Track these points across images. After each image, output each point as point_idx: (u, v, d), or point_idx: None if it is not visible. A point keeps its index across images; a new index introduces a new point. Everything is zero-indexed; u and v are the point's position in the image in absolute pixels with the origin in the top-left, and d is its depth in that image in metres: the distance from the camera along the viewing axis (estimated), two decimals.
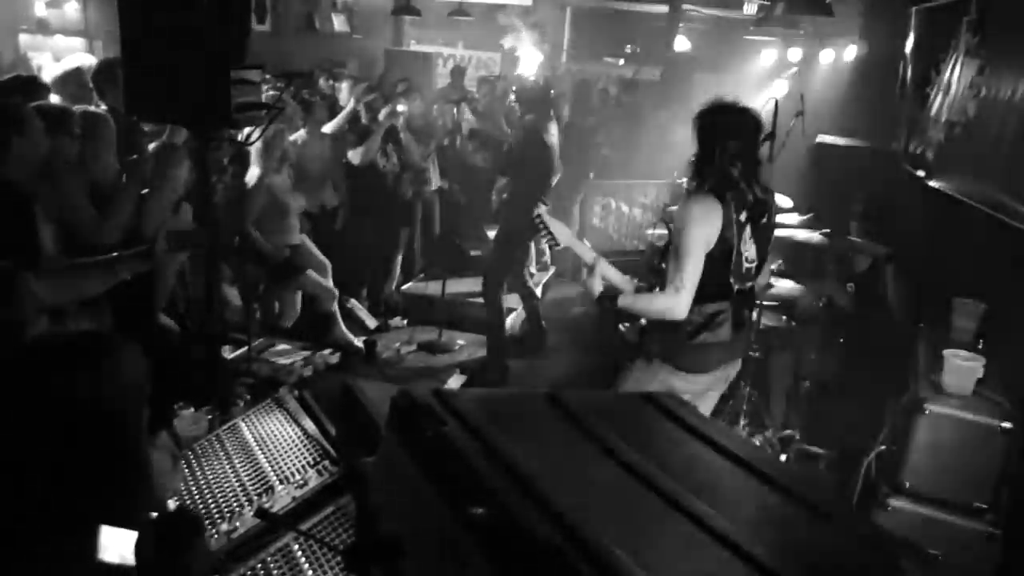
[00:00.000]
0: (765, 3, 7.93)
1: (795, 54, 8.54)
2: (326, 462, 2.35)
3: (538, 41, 9.48)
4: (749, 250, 2.82)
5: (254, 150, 4.59)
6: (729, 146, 2.76)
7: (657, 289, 2.88)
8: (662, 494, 1.19)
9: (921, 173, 4.96)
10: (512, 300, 5.98)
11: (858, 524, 1.24)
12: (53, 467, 1.25)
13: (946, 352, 2.98)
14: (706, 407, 3.03)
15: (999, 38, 4.15)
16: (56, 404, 1.27)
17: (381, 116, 5.87)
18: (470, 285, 6.56)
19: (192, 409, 2.76)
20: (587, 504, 1.12)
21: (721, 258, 2.76)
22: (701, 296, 2.76)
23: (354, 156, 5.80)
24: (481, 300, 5.62)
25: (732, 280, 2.82)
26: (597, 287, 2.92)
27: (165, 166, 3.55)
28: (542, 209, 3.09)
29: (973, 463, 2.78)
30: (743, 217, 2.79)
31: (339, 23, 9.33)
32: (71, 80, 4.09)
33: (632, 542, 1.05)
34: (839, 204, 5.90)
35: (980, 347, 3.10)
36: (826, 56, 7.96)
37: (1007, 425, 2.75)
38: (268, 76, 5.14)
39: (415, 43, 11.63)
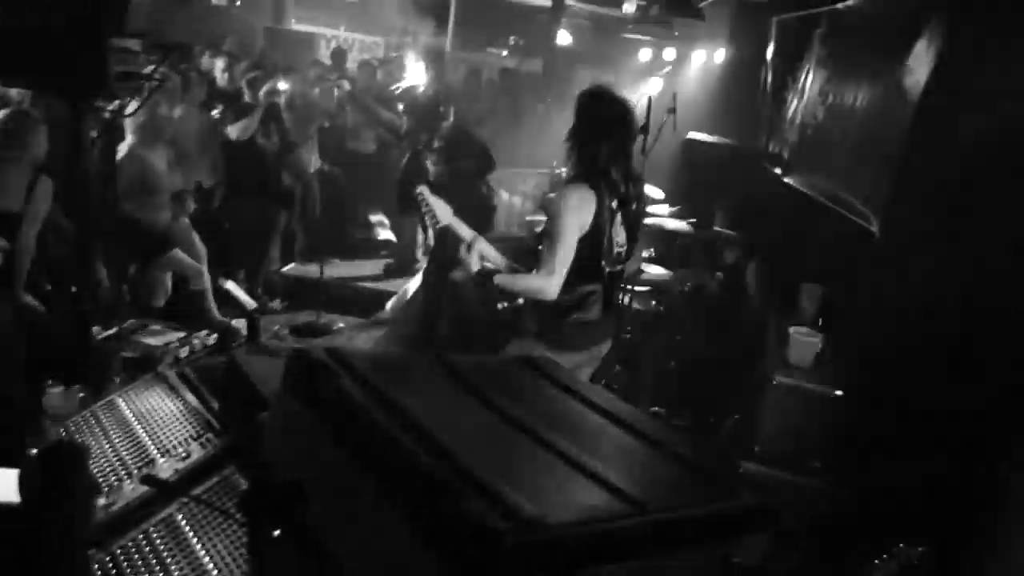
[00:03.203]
0: (642, 3, 8.30)
1: (669, 54, 8.97)
2: (209, 434, 2.36)
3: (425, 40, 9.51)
4: (619, 235, 3.01)
5: (129, 122, 4.42)
6: (604, 135, 2.93)
7: (533, 271, 3.03)
8: (534, 436, 1.34)
9: (778, 170, 5.39)
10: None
11: (707, 460, 1.42)
12: None
13: (791, 329, 3.30)
14: None
15: (844, 51, 4.58)
16: None
17: (262, 92, 5.77)
18: (350, 268, 6.55)
19: (63, 387, 2.70)
20: (471, 445, 1.25)
21: (593, 242, 2.93)
22: (574, 277, 2.92)
23: (233, 131, 5.68)
24: (360, 284, 5.67)
25: (603, 263, 3.00)
26: (475, 264, 3.03)
27: (20, 134, 3.38)
28: (423, 188, 3.17)
29: (812, 428, 3.12)
30: (614, 204, 2.97)
31: None
32: None
33: (510, 475, 1.19)
34: (706, 197, 6.30)
35: (820, 325, 3.45)
36: (698, 57, 8.41)
37: (839, 393, 3.09)
38: (145, 47, 4.96)
39: (296, 22, 11.35)
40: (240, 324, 5.37)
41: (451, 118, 5.85)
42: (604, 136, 2.93)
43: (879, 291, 3.37)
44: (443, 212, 3.16)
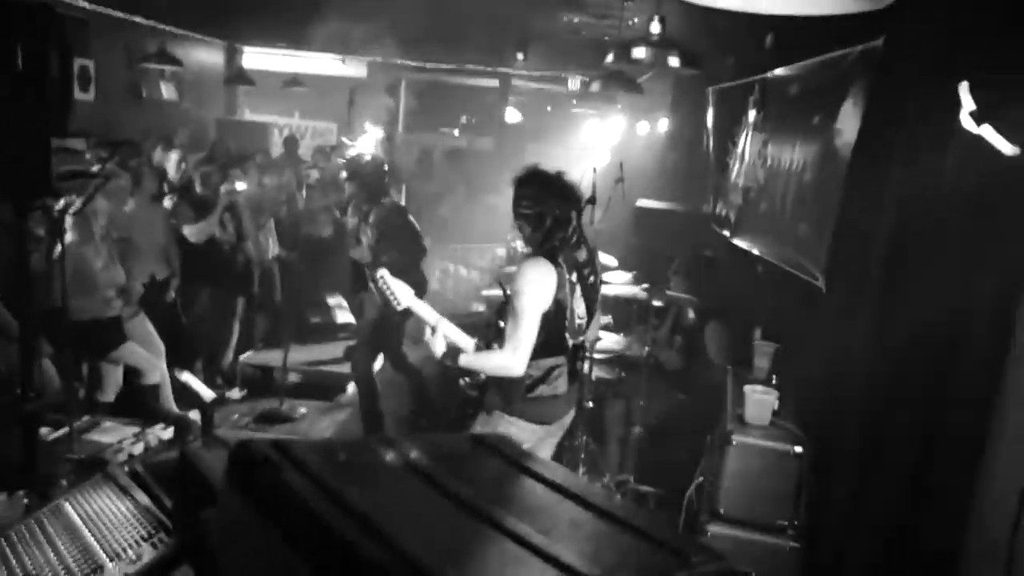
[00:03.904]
0: (585, 79, 8.61)
1: (614, 125, 9.26)
2: (161, 534, 2.28)
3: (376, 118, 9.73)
4: (579, 307, 3.03)
5: (69, 220, 4.40)
6: (554, 211, 2.99)
7: (496, 347, 3.03)
8: (486, 518, 1.32)
9: (726, 232, 5.53)
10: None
11: (662, 531, 1.41)
12: None
13: (746, 388, 3.33)
14: (545, 455, 3.20)
15: (777, 115, 4.78)
16: None
17: (222, 191, 5.81)
18: (311, 353, 6.48)
19: (5, 494, 2.60)
20: (418, 531, 1.23)
21: (556, 316, 2.96)
22: (538, 352, 2.94)
23: (191, 233, 5.68)
24: (325, 368, 5.59)
25: (567, 336, 3.03)
26: (440, 347, 3.04)
27: None
28: (383, 271, 3.18)
29: (775, 486, 3.11)
30: (574, 277, 3.01)
31: (168, 91, 9.12)
32: None
33: (459, 562, 1.17)
34: (659, 263, 6.41)
35: (774, 382, 3.49)
36: (642, 128, 8.70)
37: (798, 449, 3.11)
38: (92, 146, 4.98)
39: (249, 112, 11.51)
40: (196, 416, 5.27)
41: (390, 196, 5.81)
42: (548, 212, 2.99)
43: (828, 344, 3.43)
44: (403, 294, 3.17)
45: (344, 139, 9.80)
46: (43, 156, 2.78)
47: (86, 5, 7.39)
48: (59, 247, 4.25)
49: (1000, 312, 2.60)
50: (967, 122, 1.87)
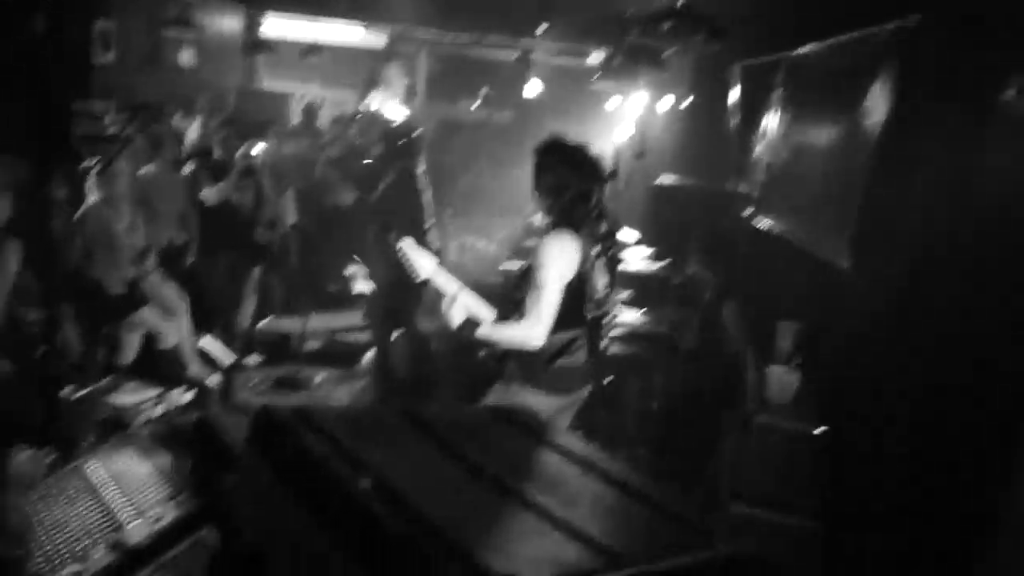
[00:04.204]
0: (608, 54, 8.48)
1: (636, 101, 9.12)
2: (182, 495, 2.31)
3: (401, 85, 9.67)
4: (600, 280, 3.03)
5: (91, 181, 4.40)
6: (569, 183, 2.97)
7: (518, 319, 3.00)
8: (507, 490, 1.31)
9: (748, 211, 5.46)
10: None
11: (682, 509, 1.40)
12: None
13: (768, 368, 3.31)
14: (561, 426, 3.20)
15: (805, 93, 4.69)
16: None
17: (238, 155, 5.79)
18: (329, 320, 6.50)
19: (30, 450, 2.63)
20: (440, 502, 1.22)
21: (577, 289, 2.94)
22: (558, 324, 2.92)
23: (208, 195, 5.68)
24: (343, 336, 5.60)
25: (587, 309, 3.01)
26: (458, 318, 3.02)
27: None
28: (405, 242, 3.16)
29: (795, 466, 3.10)
30: (596, 250, 3.00)
31: (187, 57, 9.07)
32: None
33: (481, 533, 1.16)
34: (680, 239, 6.35)
35: (798, 363, 3.46)
36: (664, 104, 8.57)
37: (820, 430, 3.08)
38: (113, 109, 4.97)
39: (268, 81, 11.45)
40: (216, 381, 5.31)
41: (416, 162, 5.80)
42: (570, 184, 2.96)
43: (853, 326, 3.39)
44: (425, 265, 3.14)
45: (363, 108, 9.75)
46: (64, 119, 2.77)
47: None
48: (81, 209, 4.27)
49: None
50: (1016, 106, 1.81)
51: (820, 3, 3.16)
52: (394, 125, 5.97)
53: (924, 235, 2.93)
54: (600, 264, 3.02)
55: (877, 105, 3.41)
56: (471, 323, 3.00)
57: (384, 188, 5.47)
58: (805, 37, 4.55)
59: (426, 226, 5.56)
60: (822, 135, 4.27)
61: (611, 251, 3.09)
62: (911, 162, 3.04)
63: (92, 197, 4.52)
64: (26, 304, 3.78)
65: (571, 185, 2.97)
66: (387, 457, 1.31)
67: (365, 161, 6.75)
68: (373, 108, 9.31)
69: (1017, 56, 1.89)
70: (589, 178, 3.01)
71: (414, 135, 5.61)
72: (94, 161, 4.06)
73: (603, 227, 3.04)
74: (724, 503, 3.23)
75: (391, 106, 8.78)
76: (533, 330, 2.88)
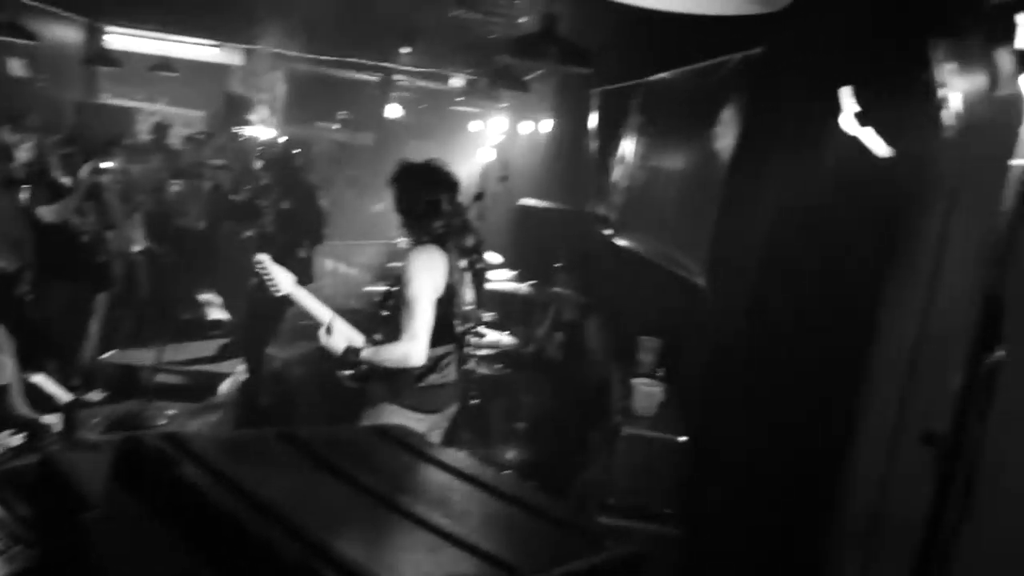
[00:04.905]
0: (471, 77, 8.61)
1: (498, 124, 9.30)
2: (18, 547, 2.09)
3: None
4: (468, 293, 3.07)
5: None
6: (424, 197, 3.00)
7: (383, 336, 2.99)
8: (395, 506, 1.28)
9: (609, 231, 5.67)
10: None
11: (569, 516, 1.42)
12: None
13: (633, 380, 3.43)
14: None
15: (660, 119, 4.95)
16: None
17: (83, 173, 5.39)
18: (181, 352, 6.15)
19: None
20: (328, 522, 1.17)
21: (447, 303, 2.96)
22: (432, 340, 2.91)
23: (46, 213, 5.24)
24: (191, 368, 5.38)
25: (456, 323, 3.02)
26: (340, 343, 2.96)
27: None
28: (263, 256, 3.08)
29: (661, 475, 3.21)
30: (463, 264, 3.03)
31: (18, 68, 8.39)
32: None
33: (372, 550, 1.12)
34: (543, 260, 6.49)
35: (660, 376, 3.61)
36: (526, 127, 8.78)
37: (683, 439, 3.22)
38: None
39: (112, 96, 10.76)
40: (51, 419, 4.88)
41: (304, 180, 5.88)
42: (420, 199, 3.01)
43: (710, 339, 3.58)
44: (284, 281, 3.08)
45: (216, 129, 9.36)
46: None
47: None
48: None
49: (865, 309, 2.81)
50: (848, 125, 2.00)
51: (674, 33, 3.36)
52: (269, 147, 5.93)
53: (770, 252, 3.14)
54: (467, 278, 3.05)
55: (726, 129, 3.64)
56: (352, 348, 2.96)
57: (288, 207, 5.49)
58: (660, 65, 4.80)
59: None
60: (677, 158, 4.51)
61: (477, 265, 3.14)
62: (757, 183, 3.26)
63: None
64: None
65: (420, 199, 3.02)
66: (273, 483, 1.25)
67: (245, 187, 6.55)
68: (233, 130, 9.02)
69: (845, 81, 2.09)
70: (436, 189, 3.05)
71: (295, 151, 5.64)
72: None
73: (469, 240, 3.09)
74: (592, 515, 3.29)
75: (256, 128, 8.54)
76: (412, 345, 2.86)
